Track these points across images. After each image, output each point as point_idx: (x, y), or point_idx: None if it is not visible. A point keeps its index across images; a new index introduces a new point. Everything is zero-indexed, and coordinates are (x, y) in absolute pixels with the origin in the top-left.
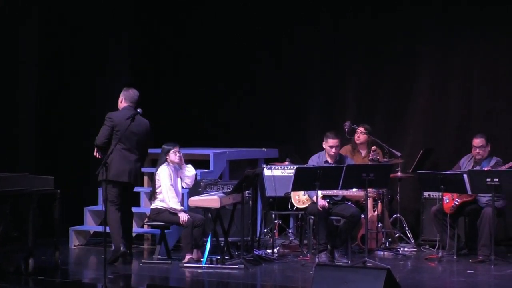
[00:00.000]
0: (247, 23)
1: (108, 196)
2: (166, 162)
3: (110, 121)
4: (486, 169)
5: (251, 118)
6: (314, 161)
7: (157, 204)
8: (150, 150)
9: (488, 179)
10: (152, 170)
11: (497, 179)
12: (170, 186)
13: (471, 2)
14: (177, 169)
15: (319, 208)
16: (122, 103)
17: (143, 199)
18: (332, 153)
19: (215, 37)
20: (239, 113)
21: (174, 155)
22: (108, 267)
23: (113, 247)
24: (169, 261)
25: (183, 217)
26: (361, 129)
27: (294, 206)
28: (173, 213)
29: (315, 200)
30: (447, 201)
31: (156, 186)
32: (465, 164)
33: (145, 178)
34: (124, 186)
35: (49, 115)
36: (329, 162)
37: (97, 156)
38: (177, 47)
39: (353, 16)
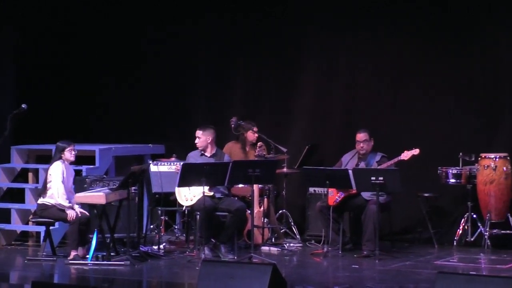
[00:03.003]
0: (132, 17)
1: None
2: (61, 159)
3: None
4: (372, 167)
5: (137, 114)
6: (191, 156)
7: (45, 200)
8: (36, 147)
9: (373, 178)
10: (37, 166)
11: (381, 178)
12: (61, 182)
13: None
14: (70, 167)
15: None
16: None
17: (28, 195)
18: (196, 143)
19: (100, 30)
20: (125, 109)
21: (70, 154)
22: None
23: None
24: (55, 258)
25: (71, 213)
26: (252, 131)
27: (183, 206)
28: (61, 209)
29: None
30: (331, 194)
31: (48, 181)
32: (348, 160)
33: (30, 175)
34: None
35: None
36: (205, 154)
37: None
38: (60, 40)
39: (239, 10)
